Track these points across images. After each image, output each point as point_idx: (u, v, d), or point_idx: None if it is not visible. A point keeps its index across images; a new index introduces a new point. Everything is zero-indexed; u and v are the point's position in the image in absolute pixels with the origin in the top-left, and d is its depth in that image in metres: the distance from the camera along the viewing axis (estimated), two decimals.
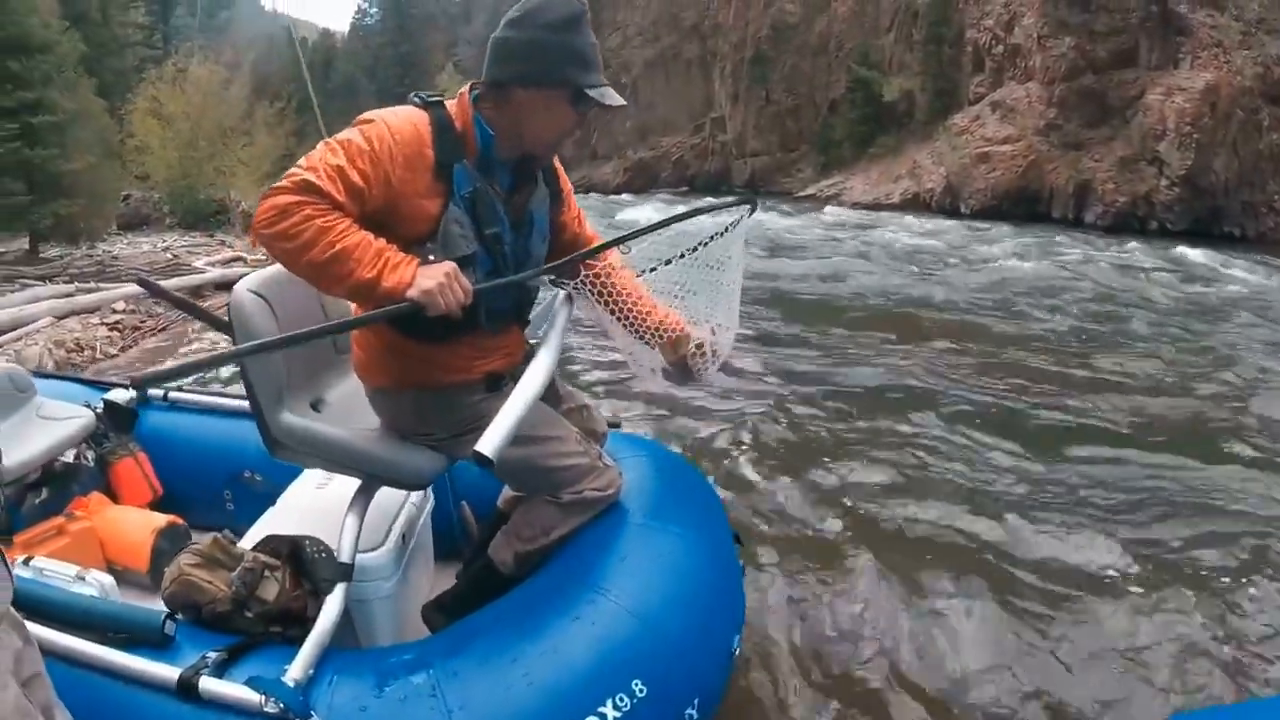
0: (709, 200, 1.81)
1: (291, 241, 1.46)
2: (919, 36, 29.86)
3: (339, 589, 1.67)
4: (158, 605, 1.68)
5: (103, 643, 1.54)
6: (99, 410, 2.69)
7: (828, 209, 25.04)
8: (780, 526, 3.24)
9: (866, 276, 11.02)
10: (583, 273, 1.76)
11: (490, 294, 1.63)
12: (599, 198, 31.81)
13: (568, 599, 1.64)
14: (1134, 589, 2.80)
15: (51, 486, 2.56)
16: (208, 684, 1.43)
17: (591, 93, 1.61)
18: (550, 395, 1.91)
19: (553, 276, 1.78)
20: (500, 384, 1.80)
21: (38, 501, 2.51)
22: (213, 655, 1.50)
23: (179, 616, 1.63)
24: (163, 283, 8.92)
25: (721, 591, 1.85)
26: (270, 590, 1.66)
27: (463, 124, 1.65)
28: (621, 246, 1.73)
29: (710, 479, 3.48)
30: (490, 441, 1.44)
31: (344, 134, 1.56)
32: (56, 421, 2.54)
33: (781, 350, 6.46)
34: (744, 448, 4.04)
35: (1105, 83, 22.34)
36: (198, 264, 11.32)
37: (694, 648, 1.67)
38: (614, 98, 1.63)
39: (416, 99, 1.66)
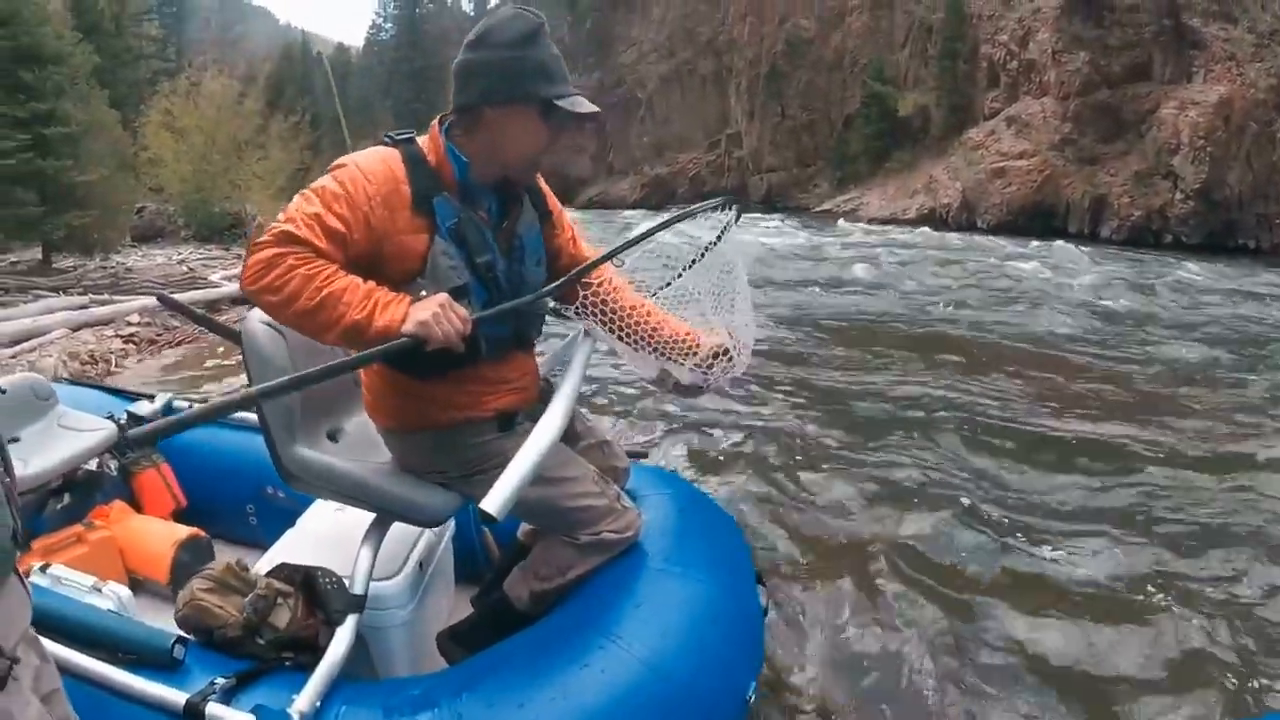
0: (690, 206, 1.79)
1: (278, 294, 1.44)
2: (933, 52, 30.06)
3: (350, 620, 1.63)
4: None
5: (112, 662, 1.51)
6: (122, 421, 2.66)
7: (844, 224, 25.10)
8: (804, 561, 3.14)
9: (888, 292, 10.95)
10: (581, 294, 1.73)
11: (489, 322, 1.58)
12: (601, 213, 31.96)
13: (580, 644, 1.59)
14: (1181, 609, 2.74)
15: (73, 494, 2.54)
16: (214, 710, 1.40)
17: (561, 103, 1.57)
18: (568, 433, 1.84)
19: (557, 305, 1.76)
20: (513, 424, 1.76)
21: (59, 507, 2.49)
22: (221, 681, 1.46)
23: (190, 639, 1.60)
24: (178, 296, 8.99)
25: (738, 638, 1.80)
26: (282, 617, 1.62)
27: (436, 156, 1.62)
28: (616, 260, 1.70)
29: (731, 506, 3.43)
30: (496, 499, 1.40)
31: (318, 182, 1.54)
32: (78, 432, 2.51)
33: (806, 370, 6.36)
34: (765, 475, 3.95)
35: (1119, 97, 22.40)
36: (213, 277, 11.37)
37: (706, 696, 1.62)
38: (585, 105, 1.60)
39: (386, 138, 1.64)
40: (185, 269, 12.78)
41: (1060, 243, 18.92)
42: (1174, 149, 20.16)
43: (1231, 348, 7.56)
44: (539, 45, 1.58)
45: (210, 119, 18.29)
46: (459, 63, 1.62)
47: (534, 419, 1.76)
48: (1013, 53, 26.29)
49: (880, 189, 29.65)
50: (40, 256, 12.79)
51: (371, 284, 1.48)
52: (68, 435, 2.47)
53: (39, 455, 2.36)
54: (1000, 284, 12.23)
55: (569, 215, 1.94)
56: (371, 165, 1.55)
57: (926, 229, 22.50)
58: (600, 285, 1.74)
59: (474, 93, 1.59)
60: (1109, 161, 21.85)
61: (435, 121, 1.66)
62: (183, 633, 1.61)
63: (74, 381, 3.62)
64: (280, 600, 1.64)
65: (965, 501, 3.63)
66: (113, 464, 2.65)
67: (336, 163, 1.57)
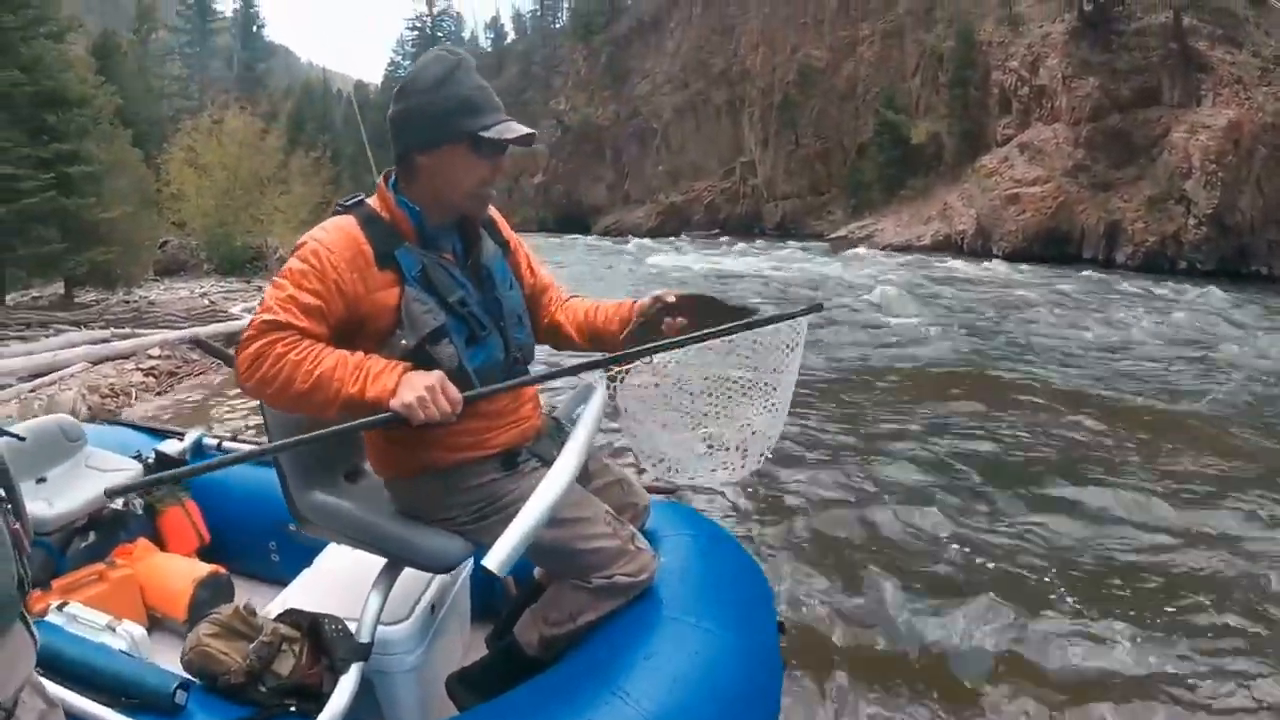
0: (770, 311, 1.70)
1: (272, 384, 1.48)
2: (945, 79, 30.14)
3: (354, 668, 1.63)
4: None
5: (114, 707, 1.53)
6: (149, 460, 2.71)
7: (860, 250, 25.03)
8: (830, 609, 3.07)
9: (923, 326, 10.71)
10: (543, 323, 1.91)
11: (475, 359, 1.63)
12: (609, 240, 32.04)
13: (585, 698, 1.57)
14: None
15: (98, 532, 2.56)
16: None
17: (487, 133, 1.60)
18: (581, 471, 1.82)
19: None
20: (515, 461, 1.77)
21: (83, 546, 2.51)
22: None
23: (195, 683, 1.62)
24: (200, 329, 9.11)
25: (753, 693, 1.76)
26: (286, 664, 1.63)
27: (388, 211, 1.67)
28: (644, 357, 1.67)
29: (756, 546, 3.40)
30: (498, 555, 1.39)
31: (285, 265, 1.59)
32: (104, 472, 2.56)
33: (848, 410, 6.24)
34: (796, 515, 3.91)
35: (1130, 121, 22.34)
36: (234, 310, 11.51)
37: None
38: (515, 129, 1.62)
39: (339, 206, 1.68)
40: (207, 302, 12.97)
41: (1075, 269, 18.88)
42: (1186, 173, 19.99)
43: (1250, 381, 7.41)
44: (458, 82, 1.61)
45: (233, 155, 18.63)
46: (389, 117, 1.66)
47: (538, 454, 1.76)
48: (1023, 79, 26.30)
49: (895, 216, 29.63)
50: (62, 291, 13.02)
51: (360, 355, 1.51)
52: (94, 476, 2.52)
53: (64, 496, 2.41)
54: (1022, 312, 12.05)
55: (527, 243, 1.98)
56: (330, 236, 1.59)
57: (945, 256, 22.36)
58: (554, 308, 1.90)
59: (404, 143, 1.65)
60: (1122, 187, 21.72)
61: (380, 179, 1.71)
62: (188, 676, 1.62)
63: (106, 420, 3.67)
64: (285, 647, 1.65)
65: (1001, 552, 3.55)
66: (138, 502, 2.68)
67: (299, 242, 1.61)
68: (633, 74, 46.45)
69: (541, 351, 1.89)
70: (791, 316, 1.68)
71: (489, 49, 75.08)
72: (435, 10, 62.31)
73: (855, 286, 15.24)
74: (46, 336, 8.96)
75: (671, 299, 1.74)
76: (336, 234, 1.60)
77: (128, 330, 9.59)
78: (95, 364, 7.87)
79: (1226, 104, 20.27)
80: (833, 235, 31.09)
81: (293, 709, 1.59)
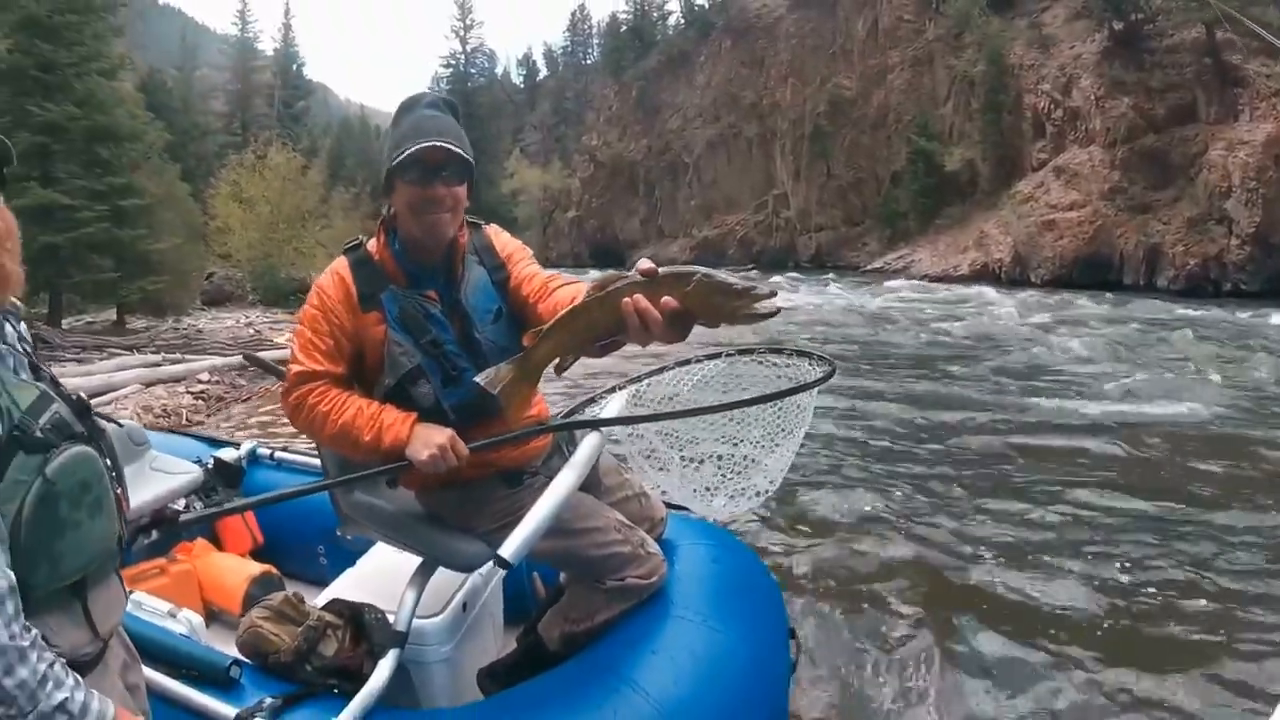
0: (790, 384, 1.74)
1: (309, 429, 1.78)
2: (977, 105, 29.79)
3: (392, 653, 1.76)
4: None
5: (176, 677, 1.70)
6: (209, 465, 2.90)
7: (896, 282, 24.60)
8: (843, 618, 3.14)
9: (942, 348, 10.65)
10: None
11: (451, 397, 1.76)
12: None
13: (599, 687, 1.71)
14: None
15: (160, 530, 2.72)
16: None
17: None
18: (600, 486, 2.01)
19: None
20: (520, 479, 1.90)
21: (146, 543, 2.66)
22: (270, 701, 1.64)
23: (247, 662, 1.77)
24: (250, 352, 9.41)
25: (759, 690, 1.88)
26: (330, 647, 1.77)
27: (379, 252, 1.83)
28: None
29: (774, 559, 3.47)
30: (509, 548, 1.62)
31: (303, 308, 1.83)
32: (167, 475, 2.75)
33: (872, 429, 6.27)
34: (814, 530, 3.98)
35: (1166, 141, 21.89)
36: (279, 340, 11.88)
37: None
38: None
39: (344, 248, 1.87)
40: (252, 331, 13.36)
41: (1116, 296, 18.48)
42: (1225, 192, 19.52)
43: None
44: (396, 124, 1.77)
45: (276, 190, 19.24)
46: None
47: (547, 473, 1.89)
48: (1056, 101, 25.95)
49: (931, 246, 29.26)
50: (115, 317, 13.52)
51: (376, 406, 1.73)
52: (158, 477, 2.71)
53: (131, 494, 2.56)
54: (1063, 341, 11.81)
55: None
56: (326, 280, 1.81)
57: (983, 286, 22.02)
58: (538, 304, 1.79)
59: (381, 192, 1.83)
60: (1161, 209, 21.28)
61: (380, 223, 1.86)
62: (241, 656, 1.77)
63: (168, 430, 3.87)
64: (330, 632, 1.78)
65: (1025, 571, 3.57)
66: (198, 504, 2.86)
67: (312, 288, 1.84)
68: (664, 108, 46.93)
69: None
70: (804, 389, 1.75)
71: (521, 85, 76.52)
72: (468, 48, 63.61)
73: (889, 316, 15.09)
74: (101, 359, 9.33)
75: (647, 272, 1.21)
76: (331, 278, 1.80)
77: (178, 355, 9.96)
78: (148, 386, 8.21)
79: (1264, 117, 19.81)
80: (869, 267, 30.82)
81: (335, 689, 1.71)
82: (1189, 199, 20.64)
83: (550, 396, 2.04)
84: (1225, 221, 19.42)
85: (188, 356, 9.89)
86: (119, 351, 10.20)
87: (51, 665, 1.07)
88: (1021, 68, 27.79)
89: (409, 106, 1.77)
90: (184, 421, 7.02)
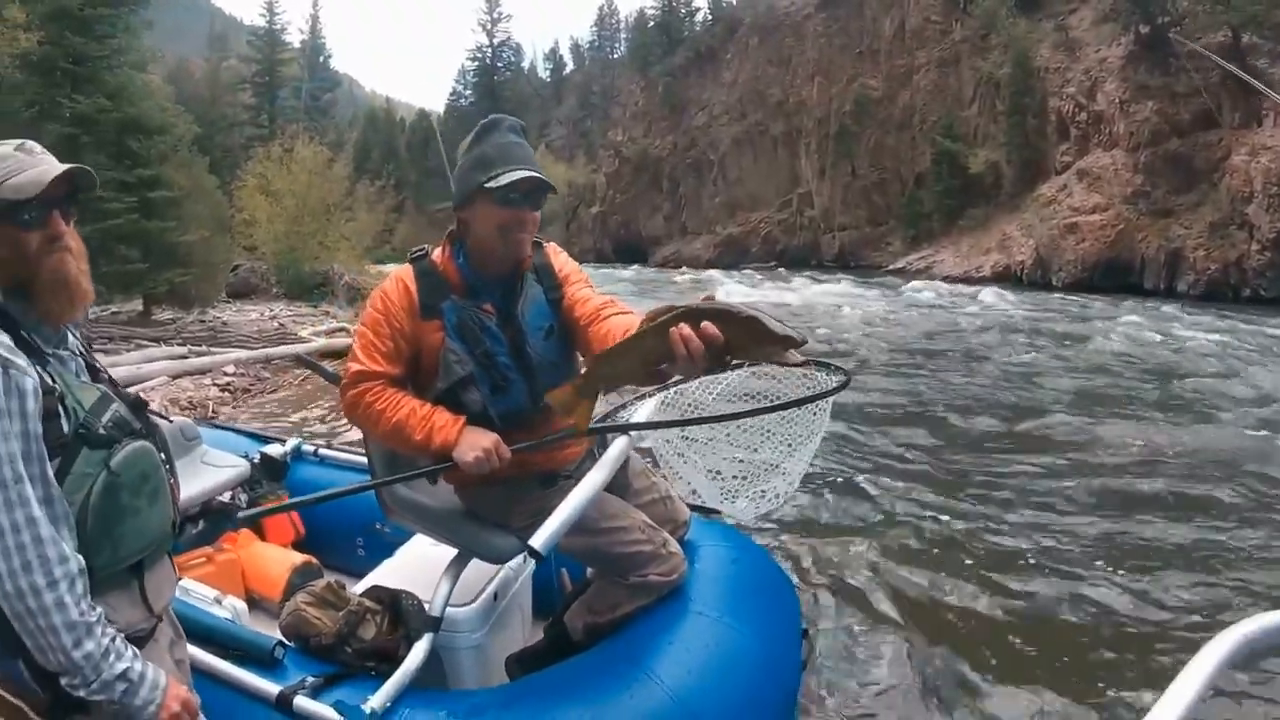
0: (791, 397, 1.80)
1: (364, 425, 1.92)
2: (1002, 107, 29.72)
3: (426, 638, 1.88)
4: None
5: (223, 656, 1.84)
6: (255, 460, 3.04)
7: (918, 283, 24.41)
8: (857, 619, 3.19)
9: (967, 357, 10.59)
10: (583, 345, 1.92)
11: (499, 404, 1.89)
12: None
13: (618, 675, 1.82)
14: None
15: (207, 520, 2.86)
16: (301, 702, 1.71)
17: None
18: (627, 488, 2.12)
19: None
20: (555, 481, 2.01)
21: (194, 533, 2.79)
22: (310, 679, 1.77)
23: (290, 644, 1.90)
24: (268, 350, 9.58)
25: (769, 683, 1.98)
26: (369, 631, 1.89)
27: (444, 263, 1.94)
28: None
29: (791, 561, 3.56)
30: (539, 539, 1.72)
31: (364, 312, 1.94)
32: (216, 468, 2.89)
33: (912, 442, 6.19)
34: (831, 534, 4.04)
35: (1190, 146, 21.79)
36: (303, 333, 12.02)
37: None
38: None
39: (410, 255, 1.98)
40: (276, 324, 13.54)
41: (1136, 300, 18.33)
42: (1247, 197, 19.37)
43: None
44: (481, 141, 1.88)
45: (302, 183, 19.33)
46: None
47: (578, 474, 1.99)
48: (1081, 104, 25.83)
49: (954, 247, 29.28)
50: (141, 308, 13.70)
51: (428, 408, 1.84)
52: (207, 470, 2.84)
53: (182, 487, 2.69)
54: (1084, 347, 11.73)
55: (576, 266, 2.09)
56: (390, 286, 1.92)
57: (1004, 288, 21.81)
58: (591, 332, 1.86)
59: (454, 202, 1.94)
60: (1183, 213, 21.15)
61: (446, 234, 1.97)
62: (284, 638, 1.91)
63: (217, 425, 4.03)
64: (369, 616, 1.91)
65: (1034, 575, 3.62)
66: (244, 497, 3.01)
67: (372, 293, 1.97)
68: (690, 105, 46.94)
69: None
70: (821, 397, 1.80)
71: (548, 79, 76.72)
72: (495, 41, 63.96)
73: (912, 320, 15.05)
74: (128, 350, 9.48)
75: (696, 308, 1.35)
76: (395, 285, 1.91)
77: (204, 348, 10.13)
78: (175, 378, 8.36)
79: None
80: (891, 267, 30.83)
81: (372, 670, 1.83)
82: (1211, 204, 20.52)
83: None
84: (1246, 227, 19.29)
85: (213, 349, 10.03)
86: (146, 342, 10.34)
87: (113, 639, 1.21)
88: (1047, 70, 27.70)
89: (491, 128, 1.89)
90: (210, 414, 7.17)
